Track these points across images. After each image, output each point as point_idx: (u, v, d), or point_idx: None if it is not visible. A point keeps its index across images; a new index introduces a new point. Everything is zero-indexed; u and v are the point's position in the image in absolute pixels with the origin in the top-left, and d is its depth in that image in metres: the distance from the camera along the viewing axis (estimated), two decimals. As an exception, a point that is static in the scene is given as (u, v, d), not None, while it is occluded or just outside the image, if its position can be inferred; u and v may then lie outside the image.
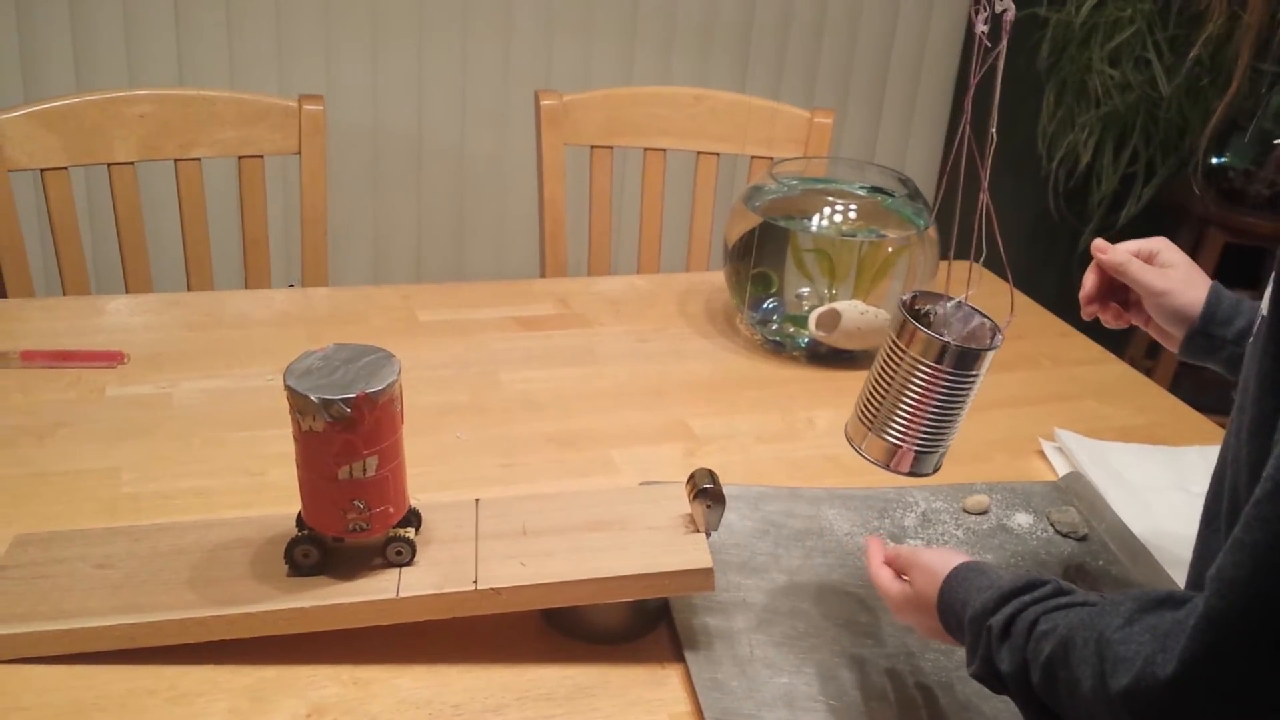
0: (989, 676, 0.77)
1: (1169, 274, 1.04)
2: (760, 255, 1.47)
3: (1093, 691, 0.68)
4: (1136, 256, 1.06)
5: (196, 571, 0.94)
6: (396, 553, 0.93)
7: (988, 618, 0.77)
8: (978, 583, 0.81)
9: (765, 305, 1.50)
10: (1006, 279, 0.95)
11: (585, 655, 0.95)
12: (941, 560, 0.85)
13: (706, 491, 0.96)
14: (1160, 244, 1.07)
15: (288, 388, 0.86)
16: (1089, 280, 1.09)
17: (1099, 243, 1.08)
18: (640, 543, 0.96)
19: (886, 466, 0.95)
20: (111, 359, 1.33)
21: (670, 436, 1.29)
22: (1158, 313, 1.05)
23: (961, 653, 0.94)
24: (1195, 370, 1.05)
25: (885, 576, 0.91)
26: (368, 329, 1.46)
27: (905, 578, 0.89)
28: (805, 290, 1.47)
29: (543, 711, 0.89)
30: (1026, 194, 3.01)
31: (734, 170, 2.64)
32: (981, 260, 0.92)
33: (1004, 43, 0.86)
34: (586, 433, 1.29)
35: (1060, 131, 2.84)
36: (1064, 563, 1.13)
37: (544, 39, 2.59)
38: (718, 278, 1.66)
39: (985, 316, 0.95)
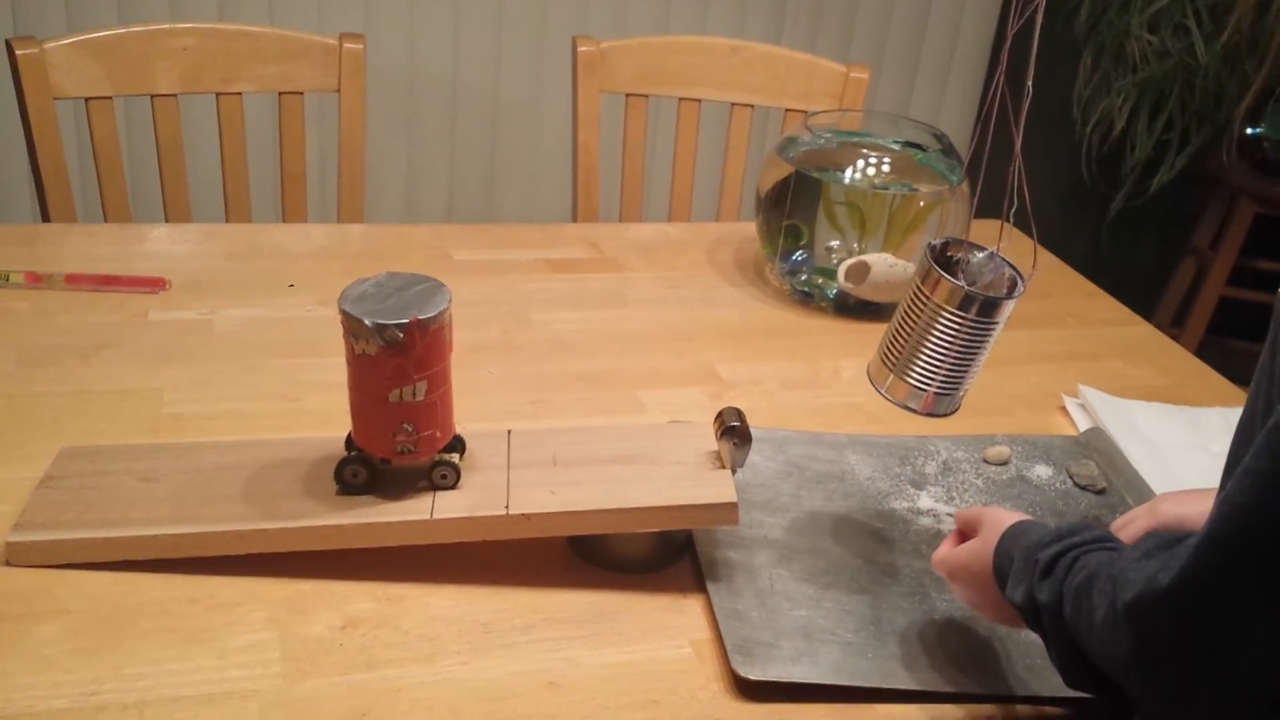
0: (1028, 606, 0.81)
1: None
2: (792, 206, 1.48)
3: (1105, 616, 0.71)
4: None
5: (239, 488, 0.97)
6: (441, 476, 0.96)
7: (1039, 550, 0.81)
8: (1037, 528, 0.85)
9: (795, 256, 1.52)
10: (1032, 235, 0.97)
11: (610, 583, 0.98)
12: (1008, 515, 0.89)
13: (734, 429, 0.98)
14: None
15: (342, 311, 0.89)
16: None
17: None
18: (667, 476, 0.99)
19: (906, 406, 0.98)
20: (154, 284, 1.36)
21: (697, 380, 1.32)
22: None
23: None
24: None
25: (943, 549, 0.94)
26: (403, 265, 1.48)
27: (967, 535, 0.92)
28: (835, 242, 1.49)
29: (568, 632, 0.92)
30: (1059, 158, 3.00)
31: (767, 122, 2.64)
32: (1012, 213, 0.94)
33: None
34: (615, 373, 1.31)
35: (1095, 96, 2.83)
36: (1081, 515, 1.15)
37: (582, -14, 2.59)
38: (748, 228, 1.67)
39: (1011, 266, 0.96)
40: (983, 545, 0.88)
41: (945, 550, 0.94)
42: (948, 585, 0.94)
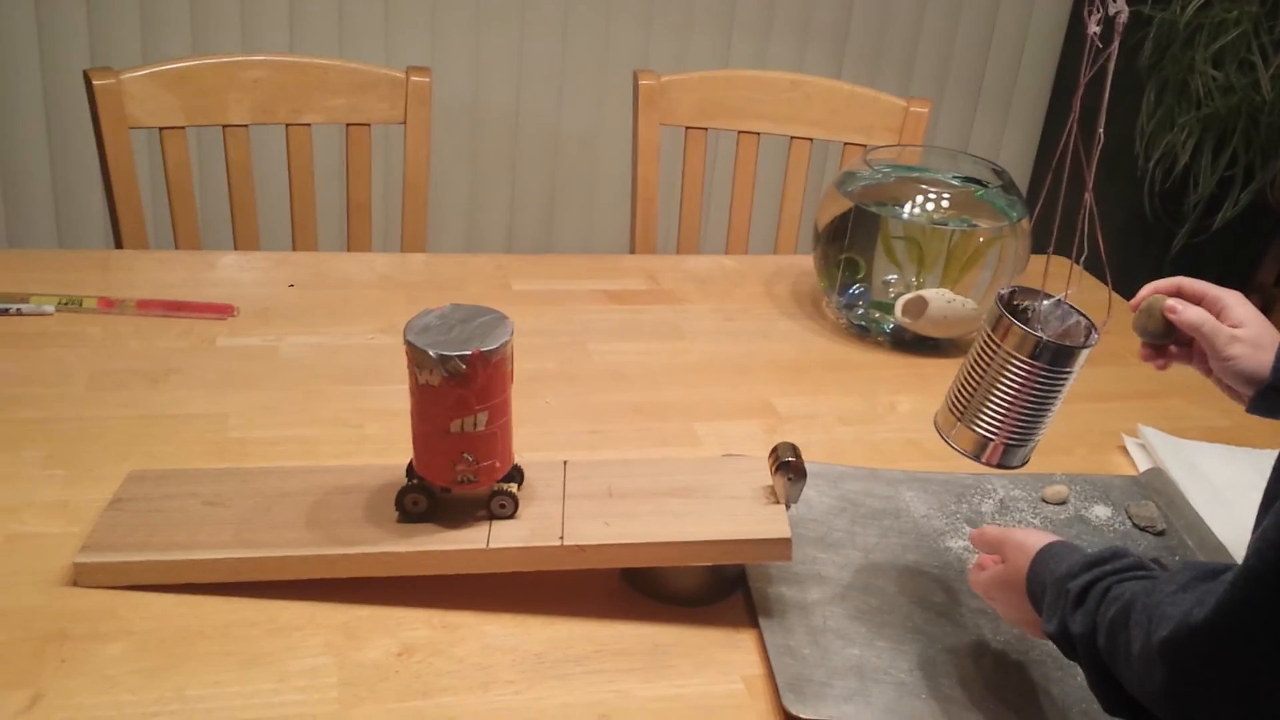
0: (1061, 637, 0.81)
1: (1237, 340, 1.00)
2: (850, 240, 1.49)
3: (1141, 650, 0.72)
4: (1204, 298, 1.03)
5: (302, 513, 0.99)
6: (500, 506, 0.97)
7: (1069, 581, 0.81)
8: (1068, 554, 0.85)
9: (852, 290, 1.52)
10: (1104, 279, 0.96)
11: (663, 616, 0.98)
12: (1034, 537, 0.89)
13: (789, 464, 0.99)
14: (1233, 299, 1.03)
15: (408, 343, 0.91)
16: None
17: (1172, 303, 1.04)
18: (721, 510, 0.99)
19: (974, 457, 0.97)
20: (222, 311, 1.39)
21: (753, 413, 1.32)
22: (1224, 374, 1.02)
23: (1033, 640, 0.96)
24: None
25: (976, 570, 0.95)
26: (464, 295, 1.51)
27: (995, 557, 0.93)
28: (893, 277, 1.49)
29: (621, 665, 0.92)
30: (1122, 192, 2.97)
31: (826, 156, 2.65)
32: (1082, 260, 0.94)
33: (1115, 44, 0.87)
34: (671, 405, 1.32)
35: (1159, 131, 2.81)
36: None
37: (643, 21, 2.62)
38: (805, 261, 1.68)
39: (1082, 315, 0.96)
40: (1011, 571, 0.89)
41: (977, 572, 0.94)
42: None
